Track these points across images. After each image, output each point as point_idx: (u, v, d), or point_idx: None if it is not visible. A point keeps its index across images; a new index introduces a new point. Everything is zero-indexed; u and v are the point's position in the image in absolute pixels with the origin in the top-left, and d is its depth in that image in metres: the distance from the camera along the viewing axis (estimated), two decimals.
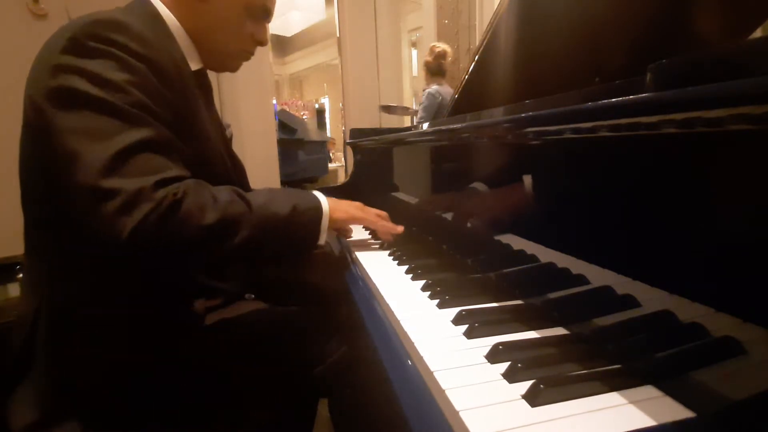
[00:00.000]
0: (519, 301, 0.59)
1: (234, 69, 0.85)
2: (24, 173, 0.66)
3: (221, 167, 0.78)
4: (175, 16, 0.74)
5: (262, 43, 0.83)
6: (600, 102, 0.40)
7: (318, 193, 0.78)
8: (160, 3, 0.73)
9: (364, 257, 0.86)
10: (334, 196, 1.20)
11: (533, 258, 0.61)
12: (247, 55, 0.84)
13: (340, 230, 0.96)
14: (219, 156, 0.78)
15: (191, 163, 0.67)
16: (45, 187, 0.64)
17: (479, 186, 0.79)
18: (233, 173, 0.82)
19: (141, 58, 0.62)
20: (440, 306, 0.59)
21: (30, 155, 0.65)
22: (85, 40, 0.59)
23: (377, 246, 0.94)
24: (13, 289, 1.36)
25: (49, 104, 0.59)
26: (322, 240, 0.75)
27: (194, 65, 0.77)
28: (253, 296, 0.84)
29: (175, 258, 0.63)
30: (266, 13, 0.81)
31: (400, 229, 0.90)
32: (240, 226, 0.64)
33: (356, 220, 0.86)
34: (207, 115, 0.77)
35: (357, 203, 0.89)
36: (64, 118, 0.58)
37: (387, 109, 2.22)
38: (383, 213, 0.92)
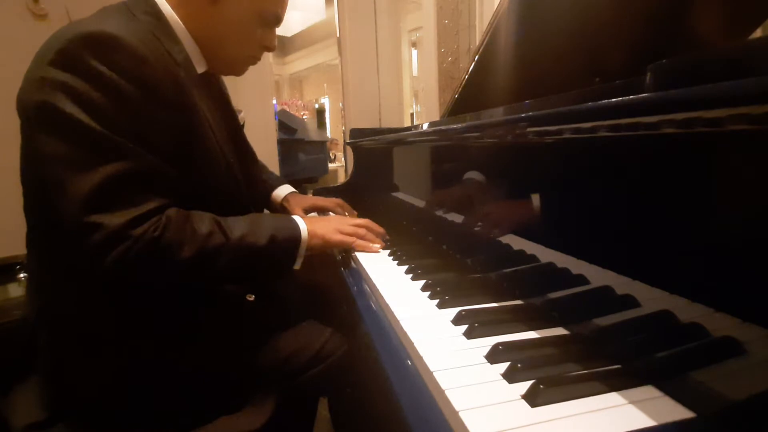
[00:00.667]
0: (519, 301, 0.59)
1: (240, 73, 0.84)
2: (23, 177, 0.66)
3: (223, 170, 0.77)
4: (180, 18, 0.72)
5: (270, 49, 0.82)
6: (600, 102, 0.40)
7: (299, 220, 0.78)
8: (165, 2, 0.71)
9: (363, 257, 0.86)
10: (334, 196, 1.21)
11: (533, 258, 0.61)
12: (254, 60, 0.83)
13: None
14: (223, 163, 0.76)
15: (193, 179, 0.68)
16: (40, 192, 0.63)
17: (472, 178, 0.79)
18: (238, 172, 0.82)
19: (132, 79, 0.60)
20: (440, 306, 0.59)
21: (27, 164, 0.65)
22: (75, 55, 0.58)
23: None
24: (13, 289, 1.35)
25: (35, 120, 0.59)
26: (298, 265, 0.77)
27: (200, 68, 0.76)
28: (253, 297, 0.84)
29: (156, 286, 0.67)
30: (277, 20, 0.80)
31: (376, 249, 0.89)
32: (218, 258, 0.66)
33: (332, 246, 0.84)
34: (210, 117, 0.75)
35: (336, 220, 0.89)
36: (48, 141, 0.58)
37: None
38: (363, 223, 0.90)
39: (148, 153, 0.62)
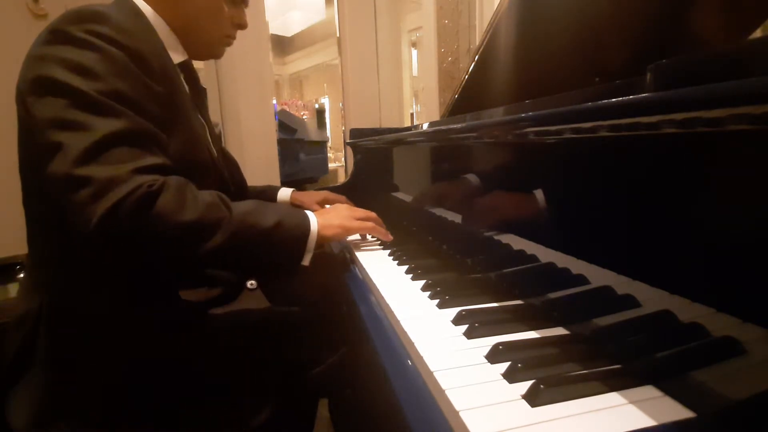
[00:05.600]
0: (519, 301, 0.59)
1: (218, 55, 0.87)
2: (22, 170, 0.67)
3: (206, 156, 0.79)
4: (155, 10, 0.75)
5: (242, 27, 0.86)
6: (600, 102, 0.40)
7: (309, 213, 0.76)
8: (141, 0, 0.75)
9: (363, 257, 0.86)
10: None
11: (533, 258, 0.61)
12: (229, 40, 0.86)
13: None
14: (204, 147, 0.79)
15: (176, 153, 0.68)
16: (39, 181, 0.64)
17: (472, 178, 0.79)
18: (221, 164, 0.83)
19: (120, 47, 0.63)
20: (440, 306, 0.59)
21: (24, 151, 0.66)
22: (65, 29, 0.61)
23: (378, 246, 0.94)
24: (14, 290, 1.36)
25: (30, 94, 0.60)
26: (307, 261, 0.72)
27: (178, 57, 0.78)
28: (255, 284, 0.84)
29: (146, 251, 0.62)
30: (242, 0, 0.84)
31: (390, 237, 0.90)
32: (217, 230, 0.62)
33: (349, 232, 0.83)
34: (193, 106, 0.78)
35: (345, 209, 0.87)
36: (43, 107, 0.59)
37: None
38: (372, 214, 0.90)
39: (140, 117, 0.62)
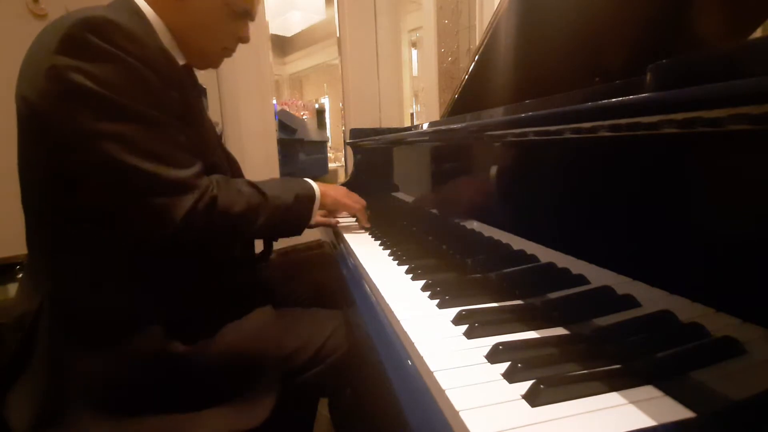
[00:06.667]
0: (519, 301, 0.59)
1: (215, 65, 0.87)
2: (25, 172, 0.66)
3: (218, 156, 0.81)
4: (156, 13, 0.75)
5: (244, 41, 0.86)
6: (600, 102, 0.40)
7: (311, 182, 0.90)
8: (142, 0, 0.74)
9: (363, 256, 0.86)
10: None
11: (533, 258, 0.61)
12: (229, 52, 0.86)
13: (329, 213, 1.10)
14: (215, 147, 0.81)
15: (193, 153, 0.70)
16: (50, 185, 0.64)
17: (472, 178, 0.81)
18: (225, 165, 0.85)
19: (137, 58, 0.63)
20: (440, 306, 0.59)
21: (31, 154, 0.65)
22: (80, 39, 0.59)
23: (378, 245, 0.94)
24: (13, 289, 1.36)
25: (58, 107, 0.59)
26: (313, 220, 0.89)
27: (180, 60, 0.78)
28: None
29: (213, 242, 0.74)
30: (247, 13, 0.83)
31: (368, 225, 1.07)
32: (259, 215, 0.76)
33: (341, 206, 1.00)
34: (200, 107, 0.79)
35: (342, 189, 1.02)
36: (83, 122, 0.59)
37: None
38: (363, 202, 1.06)
39: (170, 123, 0.66)
